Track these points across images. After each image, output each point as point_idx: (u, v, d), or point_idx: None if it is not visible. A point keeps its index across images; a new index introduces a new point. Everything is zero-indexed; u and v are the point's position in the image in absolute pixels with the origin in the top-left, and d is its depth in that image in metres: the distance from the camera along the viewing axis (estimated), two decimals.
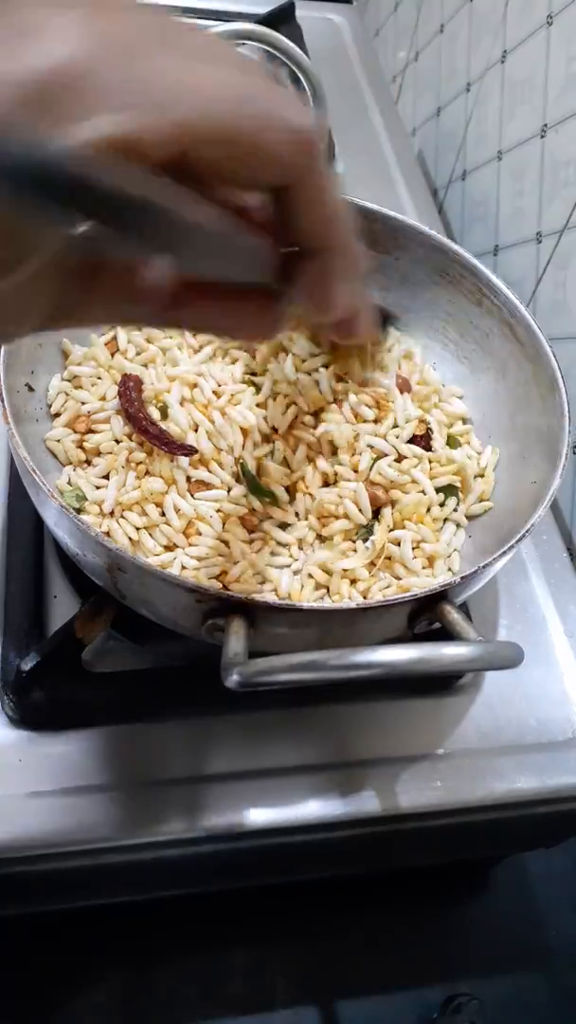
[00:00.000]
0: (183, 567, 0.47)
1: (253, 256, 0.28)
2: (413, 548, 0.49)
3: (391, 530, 0.49)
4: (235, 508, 0.48)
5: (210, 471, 0.49)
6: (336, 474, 0.50)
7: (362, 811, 0.49)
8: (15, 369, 0.48)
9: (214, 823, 0.47)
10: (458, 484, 0.52)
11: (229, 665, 0.35)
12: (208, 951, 0.61)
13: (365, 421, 0.51)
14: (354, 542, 0.49)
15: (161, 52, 0.23)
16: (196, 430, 0.50)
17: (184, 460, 0.49)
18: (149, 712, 0.50)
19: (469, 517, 0.53)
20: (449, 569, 0.50)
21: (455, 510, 0.52)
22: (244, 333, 0.35)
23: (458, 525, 0.52)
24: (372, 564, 0.48)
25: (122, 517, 0.48)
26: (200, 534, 0.47)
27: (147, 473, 0.49)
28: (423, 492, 0.50)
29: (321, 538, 0.49)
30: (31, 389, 0.51)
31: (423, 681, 0.54)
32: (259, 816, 0.48)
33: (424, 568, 0.49)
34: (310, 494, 0.49)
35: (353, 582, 0.48)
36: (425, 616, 0.41)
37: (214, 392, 0.51)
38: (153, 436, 0.48)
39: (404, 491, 0.50)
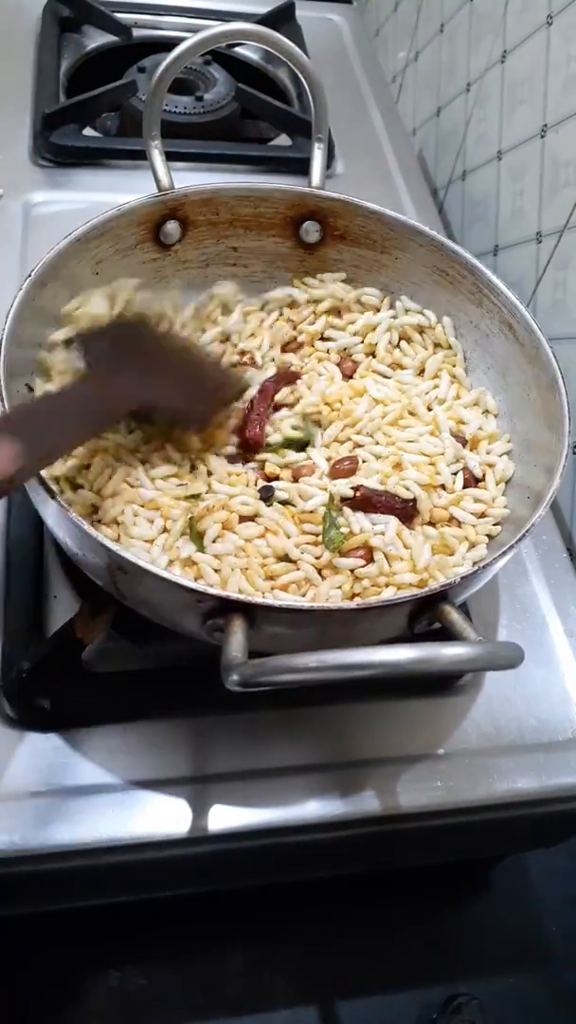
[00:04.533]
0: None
1: None
2: None
3: None
4: None
5: None
6: None
7: (362, 811, 0.49)
8: (15, 371, 0.48)
9: (214, 823, 0.47)
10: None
11: (229, 666, 0.35)
12: (208, 951, 0.61)
13: None
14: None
15: None
16: None
17: None
18: (149, 712, 0.50)
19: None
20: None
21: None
22: None
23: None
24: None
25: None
26: None
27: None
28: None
29: None
30: (31, 390, 0.51)
31: (423, 681, 0.54)
32: (259, 816, 0.48)
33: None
34: None
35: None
36: (425, 616, 0.41)
37: None
38: None
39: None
